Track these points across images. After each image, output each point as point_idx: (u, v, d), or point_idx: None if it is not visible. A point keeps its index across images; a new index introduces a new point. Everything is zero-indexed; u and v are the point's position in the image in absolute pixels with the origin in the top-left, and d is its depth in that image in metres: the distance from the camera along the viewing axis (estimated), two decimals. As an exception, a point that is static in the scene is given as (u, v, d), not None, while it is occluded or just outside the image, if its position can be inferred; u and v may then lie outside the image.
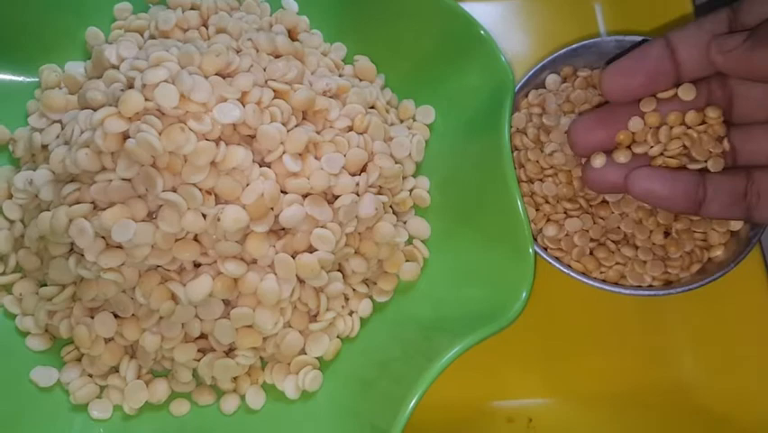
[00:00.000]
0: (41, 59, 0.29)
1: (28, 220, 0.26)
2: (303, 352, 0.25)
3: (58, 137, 0.25)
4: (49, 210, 0.23)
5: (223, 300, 0.23)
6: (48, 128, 0.26)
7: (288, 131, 0.23)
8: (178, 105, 0.21)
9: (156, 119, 0.21)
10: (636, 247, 0.25)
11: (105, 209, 0.22)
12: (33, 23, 0.28)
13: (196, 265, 0.23)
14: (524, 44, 0.32)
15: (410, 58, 0.29)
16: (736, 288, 0.27)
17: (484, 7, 0.32)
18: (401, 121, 0.29)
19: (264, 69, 0.24)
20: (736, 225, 0.26)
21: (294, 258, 0.23)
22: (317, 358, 0.25)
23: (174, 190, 0.21)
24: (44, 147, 0.26)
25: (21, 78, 0.29)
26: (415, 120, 0.29)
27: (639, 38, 0.28)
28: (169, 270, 0.23)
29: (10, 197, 0.27)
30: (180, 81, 0.21)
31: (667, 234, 0.26)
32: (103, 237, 0.22)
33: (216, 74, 0.23)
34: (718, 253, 0.26)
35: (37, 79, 0.29)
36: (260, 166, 0.23)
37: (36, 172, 0.24)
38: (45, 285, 0.25)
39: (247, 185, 0.22)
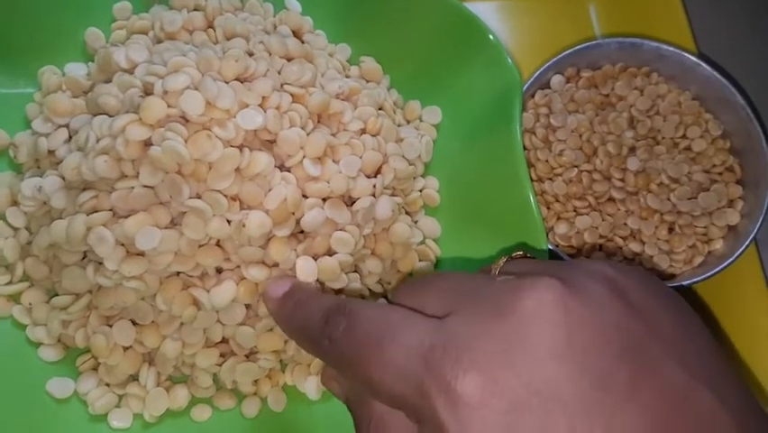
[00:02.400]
0: (35, 60, 0.28)
1: (35, 228, 0.25)
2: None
3: (65, 142, 0.25)
4: (61, 218, 0.23)
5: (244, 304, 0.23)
6: (54, 133, 0.25)
7: (306, 135, 0.23)
8: (204, 112, 0.20)
9: (181, 126, 0.20)
10: (643, 242, 0.27)
11: (124, 217, 0.21)
12: (28, 22, 0.27)
13: (218, 270, 0.23)
14: (519, 45, 0.33)
15: (415, 58, 0.29)
16: (734, 285, 0.29)
17: (478, 7, 0.33)
18: (408, 122, 0.29)
19: (278, 73, 0.24)
20: (734, 220, 0.27)
21: (315, 260, 0.23)
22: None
23: (198, 197, 0.21)
24: (50, 152, 0.25)
25: (16, 80, 0.28)
26: (421, 120, 0.29)
27: (639, 40, 0.29)
28: (191, 276, 0.22)
29: (12, 203, 0.26)
30: (205, 88, 0.21)
31: (671, 229, 0.27)
32: (122, 245, 0.22)
33: (235, 79, 0.22)
34: (718, 246, 0.27)
35: (26, 81, 0.28)
36: (280, 169, 0.23)
37: (46, 179, 0.24)
38: (55, 294, 0.24)
39: (269, 190, 0.22)
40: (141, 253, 0.22)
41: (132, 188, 0.21)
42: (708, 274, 0.26)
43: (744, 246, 0.26)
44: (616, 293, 0.16)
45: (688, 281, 0.26)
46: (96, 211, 0.22)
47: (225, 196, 0.21)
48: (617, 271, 0.17)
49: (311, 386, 0.25)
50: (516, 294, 0.16)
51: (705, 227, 0.27)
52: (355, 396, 0.19)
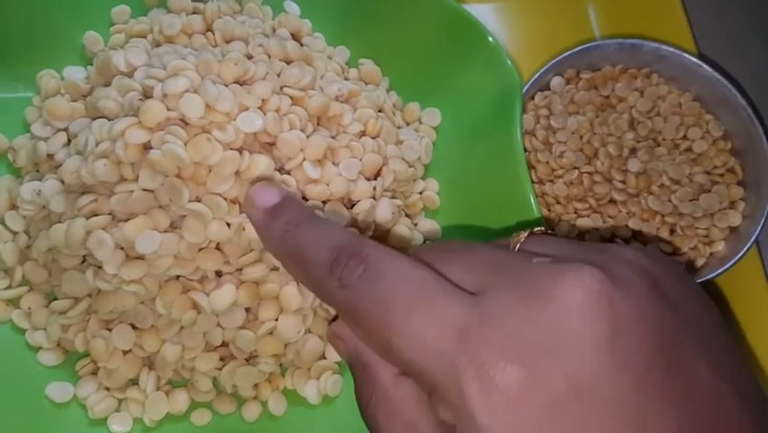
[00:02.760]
0: (34, 64, 0.28)
1: (34, 232, 0.25)
2: (323, 357, 0.25)
3: (64, 146, 0.25)
4: (60, 222, 0.23)
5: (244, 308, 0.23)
6: (53, 137, 0.25)
7: (306, 137, 0.23)
8: (203, 115, 0.20)
9: (181, 130, 0.20)
10: (645, 244, 0.26)
11: (124, 221, 0.21)
12: (26, 25, 0.27)
13: (218, 274, 0.23)
14: (518, 46, 0.33)
15: (414, 60, 0.29)
16: (736, 287, 0.29)
17: (477, 9, 0.33)
18: (407, 124, 0.29)
19: (278, 76, 0.24)
20: (736, 221, 0.27)
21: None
22: (337, 363, 0.25)
23: (198, 200, 0.21)
24: (49, 156, 0.25)
25: (14, 84, 0.28)
26: (421, 123, 0.29)
27: (639, 41, 0.29)
28: (191, 279, 0.22)
29: (11, 207, 0.26)
30: (205, 91, 0.21)
31: (672, 231, 0.27)
32: (122, 248, 0.22)
33: (234, 82, 0.22)
34: (720, 248, 0.27)
35: (24, 85, 0.28)
36: (280, 172, 0.23)
37: (45, 183, 0.24)
38: (54, 298, 0.24)
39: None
40: (141, 257, 0.21)
41: (132, 191, 0.21)
42: (710, 276, 0.26)
43: (745, 248, 0.26)
44: (653, 287, 0.15)
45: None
46: (96, 215, 0.22)
47: (225, 199, 0.21)
48: (651, 261, 0.16)
49: (311, 390, 0.25)
50: (557, 281, 0.15)
51: (706, 229, 0.27)
52: (360, 360, 0.18)
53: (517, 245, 0.18)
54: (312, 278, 0.18)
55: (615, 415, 0.14)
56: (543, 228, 0.19)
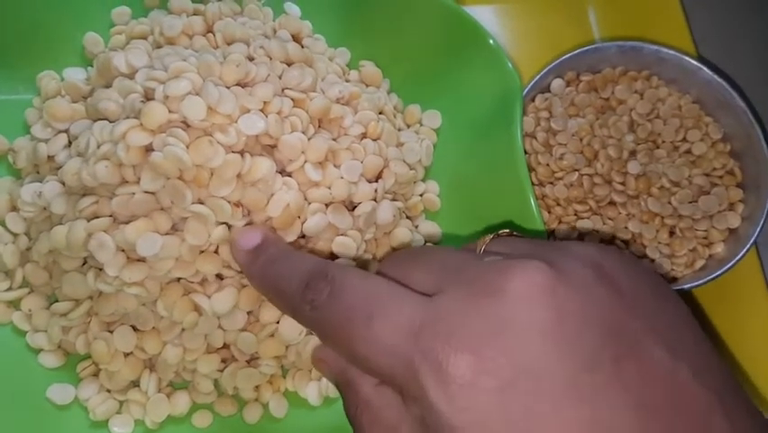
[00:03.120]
0: (34, 65, 0.28)
1: (35, 233, 0.25)
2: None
3: (65, 148, 0.25)
4: (61, 224, 0.23)
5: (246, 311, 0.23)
6: (53, 138, 0.25)
7: (308, 140, 0.23)
8: (205, 117, 0.20)
9: (182, 132, 0.20)
10: (644, 246, 0.27)
11: (125, 223, 0.21)
12: (26, 27, 0.27)
13: (218, 276, 0.23)
14: (518, 49, 0.33)
15: (414, 62, 0.29)
16: (735, 289, 0.29)
17: (477, 11, 0.33)
18: (408, 126, 0.29)
19: (279, 78, 0.24)
20: (735, 223, 0.27)
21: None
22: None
23: (201, 203, 0.21)
24: (50, 158, 0.25)
25: (14, 85, 0.28)
26: (421, 125, 0.29)
27: (639, 43, 0.29)
28: (191, 282, 0.22)
29: (12, 209, 0.26)
30: (207, 93, 0.21)
31: (672, 233, 0.27)
32: (123, 251, 0.22)
33: (235, 84, 0.22)
34: (719, 249, 0.27)
35: (24, 86, 0.28)
36: (281, 174, 0.23)
37: (46, 185, 0.23)
38: (55, 300, 0.24)
39: (272, 195, 0.22)
40: (142, 259, 0.21)
41: (133, 193, 0.21)
42: (709, 278, 0.26)
43: (744, 250, 0.26)
44: (602, 277, 0.16)
45: (689, 285, 0.26)
46: (97, 217, 0.22)
47: (229, 202, 0.21)
48: (603, 255, 0.17)
49: (312, 392, 0.25)
50: (504, 275, 0.16)
51: (706, 231, 0.27)
52: (344, 378, 0.19)
53: (483, 247, 0.19)
54: (290, 306, 0.19)
55: (565, 396, 0.14)
56: (508, 231, 0.20)
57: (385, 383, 0.17)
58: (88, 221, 0.22)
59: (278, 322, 0.23)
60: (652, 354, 0.15)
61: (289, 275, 0.19)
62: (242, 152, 0.21)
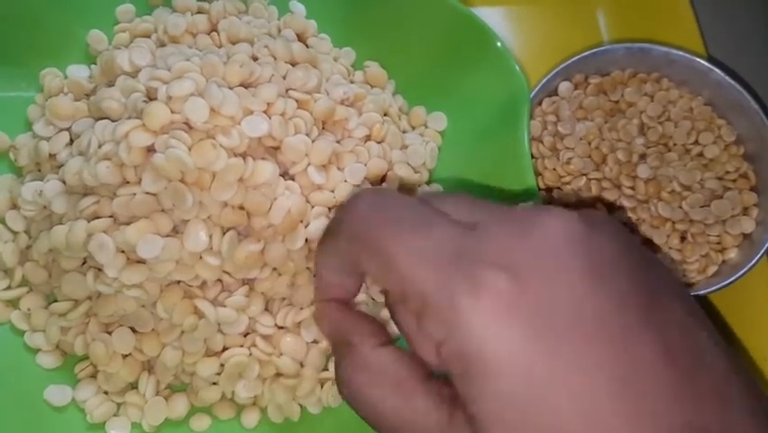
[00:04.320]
0: (37, 62, 0.27)
1: (35, 232, 0.25)
2: (325, 368, 0.24)
3: (67, 146, 0.25)
4: (62, 223, 0.22)
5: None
6: (55, 136, 0.25)
7: (311, 142, 0.23)
8: (208, 119, 0.20)
9: (185, 134, 0.20)
10: (655, 252, 0.26)
11: (126, 224, 0.21)
12: (30, 23, 0.27)
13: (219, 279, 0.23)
14: (525, 51, 0.32)
15: (420, 63, 0.28)
16: (749, 295, 0.28)
17: (484, 13, 0.33)
18: (413, 128, 0.29)
19: (283, 78, 0.24)
20: (749, 228, 0.26)
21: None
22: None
23: (202, 205, 0.21)
24: (51, 156, 0.25)
25: (17, 82, 0.28)
26: (426, 127, 0.29)
27: (647, 45, 0.29)
28: (191, 285, 0.22)
29: (12, 207, 0.26)
30: (210, 95, 0.20)
31: (683, 238, 0.26)
32: (122, 252, 0.21)
33: (239, 84, 0.22)
34: (732, 255, 0.26)
35: (27, 83, 0.27)
36: (284, 177, 0.23)
37: (46, 184, 0.23)
38: (54, 299, 0.24)
39: (274, 199, 0.22)
40: (142, 261, 0.21)
41: (134, 194, 0.21)
42: (723, 284, 0.25)
43: (759, 255, 0.25)
44: (623, 232, 0.17)
45: (702, 291, 0.25)
46: (97, 217, 0.21)
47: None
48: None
49: (312, 400, 0.24)
50: (543, 216, 0.16)
51: (718, 236, 0.26)
52: (343, 338, 0.19)
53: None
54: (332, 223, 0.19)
55: (596, 332, 0.15)
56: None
57: (386, 345, 0.17)
58: (89, 221, 0.21)
59: (279, 327, 0.23)
60: (672, 305, 0.16)
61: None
62: (244, 155, 0.21)
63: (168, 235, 0.21)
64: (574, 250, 0.15)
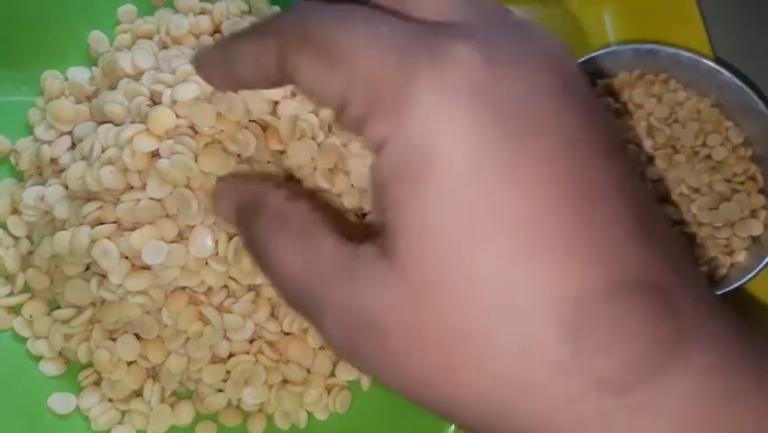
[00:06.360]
0: (38, 65, 0.27)
1: (37, 237, 0.24)
2: (332, 374, 0.24)
3: (69, 150, 0.24)
4: (64, 228, 0.22)
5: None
6: (56, 140, 0.25)
7: (317, 145, 0.23)
8: (214, 124, 0.20)
9: (190, 139, 0.20)
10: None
11: (130, 230, 0.21)
12: (30, 25, 0.27)
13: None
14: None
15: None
16: (758, 298, 0.28)
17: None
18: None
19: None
20: (757, 230, 0.26)
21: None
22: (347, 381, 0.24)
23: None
24: (53, 160, 0.24)
25: (18, 85, 0.27)
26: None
27: (656, 46, 0.29)
28: (197, 291, 0.22)
29: (14, 212, 0.25)
30: (217, 100, 0.20)
31: (692, 241, 0.26)
32: (127, 258, 0.21)
33: (244, 86, 0.22)
34: (741, 258, 0.26)
35: (28, 87, 0.27)
36: (291, 181, 0.22)
37: (48, 188, 0.23)
38: (56, 306, 0.24)
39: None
40: (147, 267, 0.21)
41: (139, 200, 0.20)
42: (732, 287, 0.25)
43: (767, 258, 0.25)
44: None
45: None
46: (101, 223, 0.21)
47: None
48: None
49: (319, 406, 0.24)
50: (531, 32, 0.13)
51: (727, 239, 0.26)
52: (249, 203, 0.16)
53: None
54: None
55: (565, 151, 0.12)
56: None
57: (298, 198, 0.15)
58: (92, 227, 0.21)
59: (285, 333, 0.22)
60: (607, 160, 0.13)
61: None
62: (249, 160, 0.21)
63: (173, 241, 0.21)
64: (546, 69, 0.13)
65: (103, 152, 0.21)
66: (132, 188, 0.21)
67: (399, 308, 0.12)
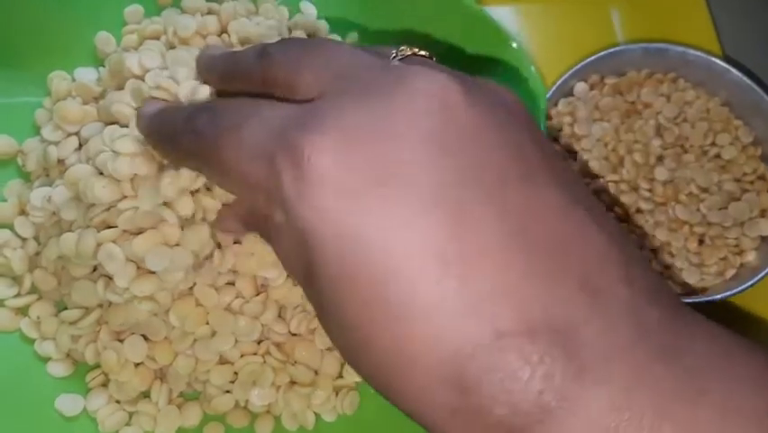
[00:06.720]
0: (44, 65, 0.27)
1: (44, 238, 0.24)
2: (340, 375, 0.24)
3: (76, 150, 0.24)
4: (71, 230, 0.22)
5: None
6: (63, 141, 0.25)
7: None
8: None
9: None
10: (672, 255, 0.26)
11: (135, 233, 0.21)
12: (36, 25, 0.27)
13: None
14: (540, 51, 0.32)
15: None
16: (767, 298, 0.28)
17: (498, 12, 0.32)
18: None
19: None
20: (767, 230, 0.26)
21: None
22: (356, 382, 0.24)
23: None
24: (60, 161, 0.24)
25: (25, 86, 0.27)
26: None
27: (664, 45, 0.29)
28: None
29: (21, 213, 0.25)
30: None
31: (701, 241, 0.26)
32: (133, 261, 0.21)
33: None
34: (751, 258, 0.26)
35: (35, 88, 0.27)
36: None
37: (55, 189, 0.23)
38: (64, 307, 0.24)
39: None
40: (153, 271, 0.21)
41: (137, 207, 0.20)
42: (742, 288, 0.25)
43: (778, 259, 0.25)
44: (507, 110, 0.15)
45: (720, 295, 0.25)
46: (108, 226, 0.21)
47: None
48: (516, 98, 0.16)
49: (327, 408, 0.24)
50: (403, 79, 0.14)
51: (736, 238, 0.26)
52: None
53: (398, 57, 0.17)
54: (175, 142, 0.18)
55: (426, 207, 0.13)
56: (427, 53, 0.18)
57: (252, 198, 0.15)
58: (98, 230, 0.21)
59: (293, 334, 0.22)
60: (548, 191, 0.14)
61: (177, 115, 0.18)
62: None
63: (176, 245, 0.21)
64: (424, 115, 0.14)
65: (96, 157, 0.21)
66: (125, 197, 0.20)
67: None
